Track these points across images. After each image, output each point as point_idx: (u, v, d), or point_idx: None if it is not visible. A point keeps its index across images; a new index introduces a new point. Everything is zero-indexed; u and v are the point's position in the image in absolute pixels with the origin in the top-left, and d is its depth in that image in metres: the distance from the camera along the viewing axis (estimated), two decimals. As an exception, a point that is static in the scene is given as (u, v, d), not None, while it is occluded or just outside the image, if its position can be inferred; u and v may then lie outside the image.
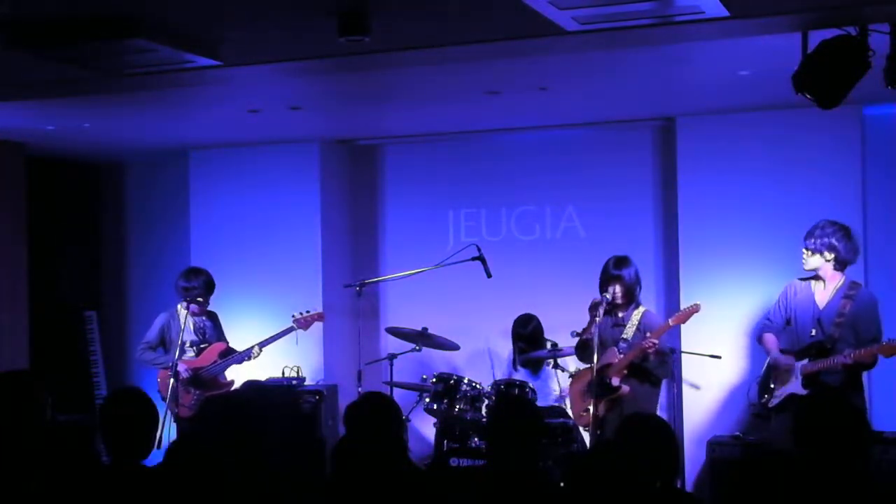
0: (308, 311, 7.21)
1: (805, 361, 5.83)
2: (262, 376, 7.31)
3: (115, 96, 6.44)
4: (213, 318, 7.23)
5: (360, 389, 6.72)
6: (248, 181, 8.33)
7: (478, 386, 6.84)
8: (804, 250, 5.92)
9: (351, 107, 7.09)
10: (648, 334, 6.14)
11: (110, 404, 3.85)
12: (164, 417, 6.30)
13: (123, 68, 5.36)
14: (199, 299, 6.91)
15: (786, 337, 6.07)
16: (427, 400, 6.91)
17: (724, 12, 4.56)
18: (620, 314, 6.36)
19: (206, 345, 7.07)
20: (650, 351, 6.08)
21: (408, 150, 8.45)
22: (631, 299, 6.35)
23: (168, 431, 6.51)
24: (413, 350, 7.23)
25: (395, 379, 7.15)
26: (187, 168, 8.58)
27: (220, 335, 7.22)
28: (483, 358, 7.93)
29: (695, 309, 6.17)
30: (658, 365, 6.24)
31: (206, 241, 8.35)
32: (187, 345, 6.98)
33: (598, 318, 6.22)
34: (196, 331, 7.07)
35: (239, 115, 7.09)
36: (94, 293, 9.27)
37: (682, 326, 7.10)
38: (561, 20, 4.68)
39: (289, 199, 8.22)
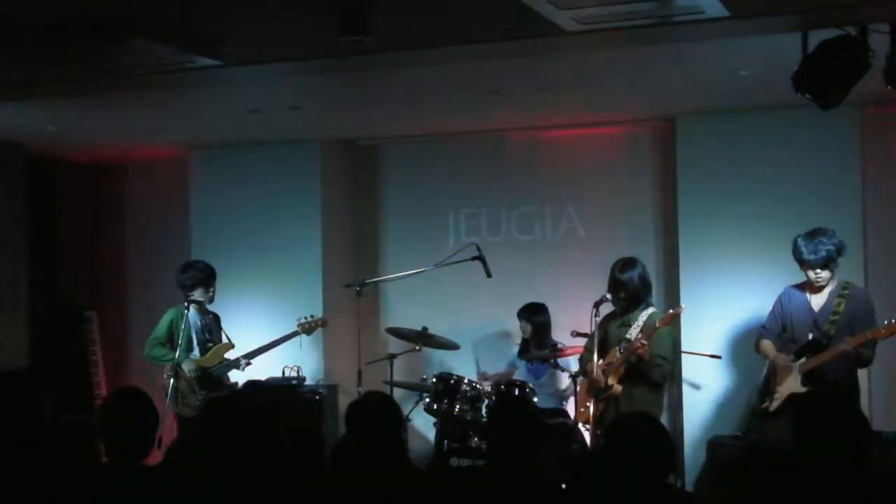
0: (312, 317, 7.22)
1: (803, 360, 5.83)
2: (262, 376, 7.30)
3: (116, 96, 6.44)
4: (216, 318, 7.22)
5: (360, 389, 6.71)
6: (248, 181, 8.33)
7: (478, 386, 6.83)
8: (818, 270, 5.79)
9: (351, 107, 7.08)
10: (640, 335, 6.06)
11: (110, 404, 3.85)
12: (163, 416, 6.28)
13: (124, 69, 5.37)
14: (192, 296, 6.92)
15: (783, 344, 6.06)
16: (427, 400, 6.90)
17: (724, 12, 4.56)
18: (628, 314, 6.28)
19: (213, 344, 7.07)
20: (641, 352, 5.96)
21: (408, 150, 8.45)
22: (636, 301, 6.29)
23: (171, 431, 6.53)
24: (413, 350, 7.23)
25: (395, 379, 7.15)
26: (187, 168, 8.58)
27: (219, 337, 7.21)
28: (483, 358, 7.93)
29: (677, 312, 6.17)
30: (650, 368, 6.05)
31: (206, 242, 8.33)
32: (194, 343, 6.98)
33: (597, 318, 6.20)
34: (203, 329, 7.06)
35: (239, 115, 7.09)
36: (94, 293, 9.27)
37: (683, 327, 7.11)
38: (561, 20, 4.68)
39: (289, 199, 8.22)
